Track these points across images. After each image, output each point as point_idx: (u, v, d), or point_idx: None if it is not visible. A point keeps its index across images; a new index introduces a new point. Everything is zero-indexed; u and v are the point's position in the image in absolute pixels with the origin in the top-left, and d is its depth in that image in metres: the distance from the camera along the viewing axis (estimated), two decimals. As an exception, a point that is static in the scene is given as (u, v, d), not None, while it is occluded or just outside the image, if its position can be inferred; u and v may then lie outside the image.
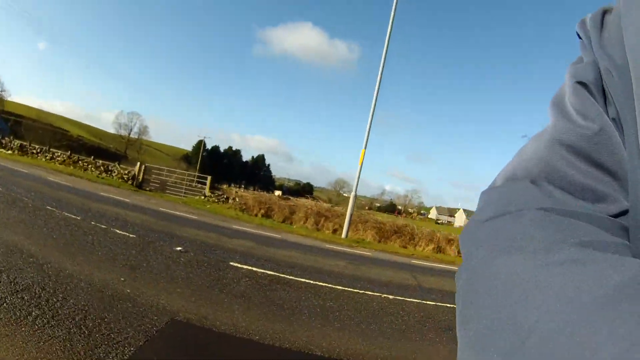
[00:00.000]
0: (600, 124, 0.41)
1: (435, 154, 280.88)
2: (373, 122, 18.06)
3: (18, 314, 3.95)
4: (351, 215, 18.09)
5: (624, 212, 0.40)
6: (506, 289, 0.34)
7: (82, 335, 3.89)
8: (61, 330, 3.88)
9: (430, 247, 20.91)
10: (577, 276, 0.31)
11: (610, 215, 0.39)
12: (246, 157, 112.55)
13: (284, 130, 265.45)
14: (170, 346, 4.21)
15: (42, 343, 3.53)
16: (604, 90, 0.43)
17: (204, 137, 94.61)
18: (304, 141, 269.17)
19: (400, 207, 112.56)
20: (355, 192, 18.22)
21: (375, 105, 18.02)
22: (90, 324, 4.16)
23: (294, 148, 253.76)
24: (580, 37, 0.48)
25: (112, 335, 4.05)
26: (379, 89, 17.83)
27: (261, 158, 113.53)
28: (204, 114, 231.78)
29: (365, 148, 17.65)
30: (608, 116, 0.41)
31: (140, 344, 4.03)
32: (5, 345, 3.33)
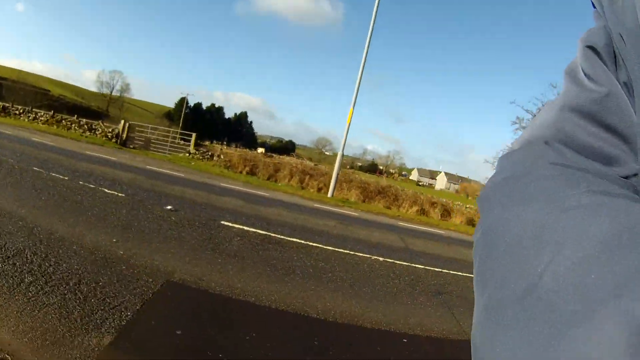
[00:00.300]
0: (609, 87, 0.40)
1: (419, 116, 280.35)
2: (361, 80, 17.69)
3: (10, 281, 3.73)
4: (338, 174, 17.99)
5: (634, 175, 0.40)
6: (519, 237, 0.34)
7: (78, 301, 3.72)
8: (55, 296, 3.69)
9: (414, 209, 21.07)
10: (588, 219, 0.31)
11: (620, 177, 0.40)
12: (229, 114, 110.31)
13: (266, 89, 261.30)
14: (168, 309, 4.08)
15: (36, 311, 3.35)
16: (615, 56, 0.42)
17: (187, 94, 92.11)
18: (287, 100, 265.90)
19: (381, 167, 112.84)
20: (342, 151, 18.04)
21: (364, 63, 17.58)
22: (85, 289, 3.99)
23: (276, 106, 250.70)
24: (594, 6, 0.47)
25: (108, 300, 3.89)
26: (368, 47, 17.38)
27: (244, 115, 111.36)
28: (186, 72, 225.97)
29: (353, 107, 17.34)
30: (619, 80, 0.41)
31: (137, 307, 3.88)
32: (-1, 315, 3.14)
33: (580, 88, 0.43)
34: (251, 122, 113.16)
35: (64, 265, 4.43)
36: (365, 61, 17.55)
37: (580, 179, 0.37)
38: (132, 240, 5.87)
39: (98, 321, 3.46)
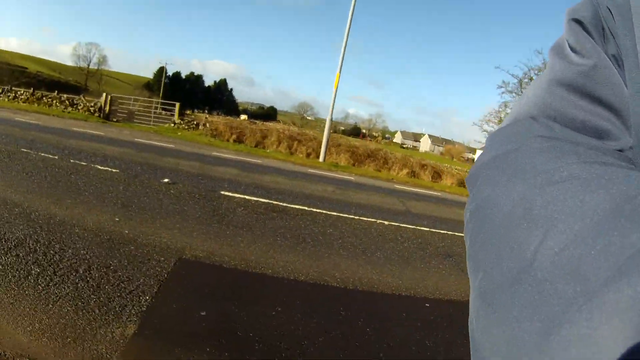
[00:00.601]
0: (596, 60, 0.38)
1: (400, 81, 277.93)
2: (344, 46, 17.10)
3: (17, 275, 3.36)
4: (328, 138, 17.63)
5: (630, 149, 0.37)
6: (509, 215, 0.32)
7: (91, 289, 3.40)
8: (67, 286, 3.36)
9: (405, 171, 20.95)
10: (582, 191, 0.29)
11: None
12: (208, 82, 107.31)
13: (244, 55, 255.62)
14: (186, 289, 3.80)
15: (50, 305, 3.02)
16: (603, 29, 0.40)
17: (165, 64, 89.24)
18: (266, 66, 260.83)
19: (364, 131, 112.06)
20: (331, 116, 17.61)
21: (349, 27, 16.95)
22: (97, 275, 3.67)
23: (255, 72, 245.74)
24: None
25: (123, 285, 3.58)
26: (353, 9, 16.72)
27: (223, 82, 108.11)
28: (163, 40, 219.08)
29: (340, 72, 16.83)
30: (607, 54, 0.39)
31: (155, 290, 3.59)
32: (12, 316, 2.80)
33: (566, 62, 0.41)
34: (231, 89, 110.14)
35: (70, 251, 4.08)
36: (350, 25, 16.92)
37: (571, 150, 0.34)
38: (135, 217, 5.53)
39: (117, 309, 3.16)
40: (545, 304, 0.25)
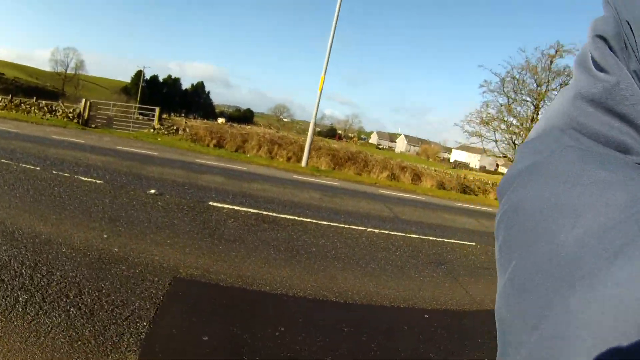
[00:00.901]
0: (619, 76, 0.39)
1: (377, 79, 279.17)
2: (329, 48, 16.94)
3: (3, 303, 3.06)
4: (311, 143, 17.41)
5: None
6: (540, 210, 0.36)
7: (84, 317, 3.13)
8: (59, 315, 3.09)
9: (385, 174, 20.88)
10: (605, 191, 0.33)
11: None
12: (185, 85, 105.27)
13: (221, 56, 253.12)
14: (184, 312, 3.56)
15: (42, 338, 2.74)
16: (625, 45, 0.40)
17: (143, 67, 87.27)
18: (242, 67, 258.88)
19: (340, 132, 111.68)
20: (315, 119, 17.39)
21: (335, 29, 16.76)
22: (89, 300, 3.40)
23: (231, 74, 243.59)
24: None
25: (118, 310, 3.33)
26: (339, 11, 16.55)
27: (201, 85, 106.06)
28: (139, 44, 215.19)
29: (324, 74, 16.63)
30: (629, 69, 0.39)
31: (152, 315, 3.35)
32: (1, 352, 2.52)
33: (590, 77, 0.41)
34: (208, 92, 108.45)
35: (58, 273, 3.78)
36: (335, 27, 16.75)
37: (597, 159, 0.38)
38: (124, 233, 5.24)
39: (114, 338, 2.92)
40: (573, 277, 0.30)
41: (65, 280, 3.64)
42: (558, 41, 25.64)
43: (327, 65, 16.64)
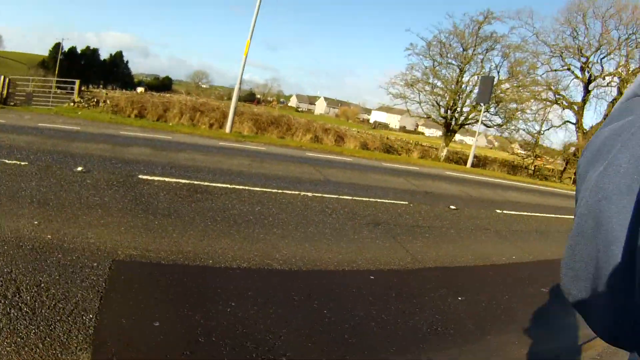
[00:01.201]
0: None
1: (296, 42, 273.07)
2: (256, 12, 16.10)
3: None
4: (235, 108, 16.79)
5: None
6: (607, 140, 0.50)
7: (27, 318, 2.70)
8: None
9: (308, 136, 20.86)
10: None
11: None
12: (104, 55, 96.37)
13: (139, 24, 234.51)
14: (130, 299, 3.26)
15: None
16: None
17: (62, 39, 77.94)
18: (161, 35, 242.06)
19: (259, 96, 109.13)
20: (240, 85, 16.68)
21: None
22: (29, 297, 2.96)
23: (150, 42, 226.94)
24: None
25: (60, 305, 2.94)
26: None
27: (119, 55, 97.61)
28: (56, 14, 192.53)
29: (250, 38, 15.86)
30: None
31: (97, 306, 3.02)
32: None
33: None
34: (127, 61, 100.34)
35: (-14, 269, 3.28)
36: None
37: None
38: (56, 218, 4.67)
39: (62, 338, 2.57)
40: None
41: (1, 279, 3.16)
42: (489, 8, 26.66)
43: (253, 29, 15.83)
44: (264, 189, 7.61)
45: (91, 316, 2.84)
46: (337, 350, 3.16)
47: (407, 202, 8.73)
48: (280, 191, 7.67)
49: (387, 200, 8.54)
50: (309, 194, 7.80)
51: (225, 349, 2.84)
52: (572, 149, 30.25)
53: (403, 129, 68.56)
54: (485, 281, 5.45)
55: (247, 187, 7.49)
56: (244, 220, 5.72)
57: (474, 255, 6.26)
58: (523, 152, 32.06)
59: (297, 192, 7.78)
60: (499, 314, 4.43)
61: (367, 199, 8.30)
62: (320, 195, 7.91)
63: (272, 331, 3.20)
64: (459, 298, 4.56)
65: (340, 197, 8.04)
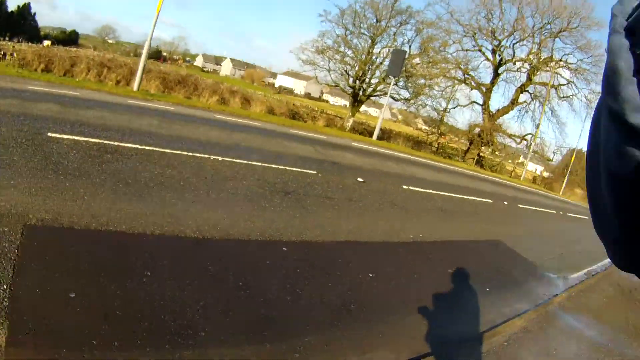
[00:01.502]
0: None
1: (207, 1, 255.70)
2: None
3: None
4: (144, 66, 15.62)
5: None
6: None
7: None
8: None
9: (214, 98, 20.22)
10: None
11: None
12: (11, 6, 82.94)
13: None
14: (44, 268, 3.06)
15: None
16: None
17: None
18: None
19: (165, 54, 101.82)
20: (150, 42, 15.44)
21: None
22: None
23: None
24: None
25: (-30, 279, 2.70)
26: None
27: (26, 7, 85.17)
28: None
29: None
30: None
31: (10, 275, 2.81)
32: None
33: None
34: (34, 13, 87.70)
35: None
36: None
37: None
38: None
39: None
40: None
41: None
42: (407, -19, 26.08)
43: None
44: (174, 151, 7.33)
45: (5, 287, 2.65)
46: (256, 327, 3.26)
47: (315, 172, 8.87)
48: (190, 154, 7.43)
49: (296, 169, 8.64)
50: (219, 158, 7.66)
51: (143, 322, 2.84)
52: (477, 129, 30.43)
53: (308, 95, 68.45)
54: (395, 259, 5.77)
55: (157, 149, 7.16)
56: (156, 184, 5.54)
57: (383, 230, 6.65)
58: (427, 128, 31.92)
59: (207, 156, 7.60)
60: (408, 294, 4.73)
61: (277, 166, 8.36)
62: (230, 160, 7.81)
63: (189, 304, 3.22)
64: (370, 275, 4.81)
65: (250, 163, 8.00)
